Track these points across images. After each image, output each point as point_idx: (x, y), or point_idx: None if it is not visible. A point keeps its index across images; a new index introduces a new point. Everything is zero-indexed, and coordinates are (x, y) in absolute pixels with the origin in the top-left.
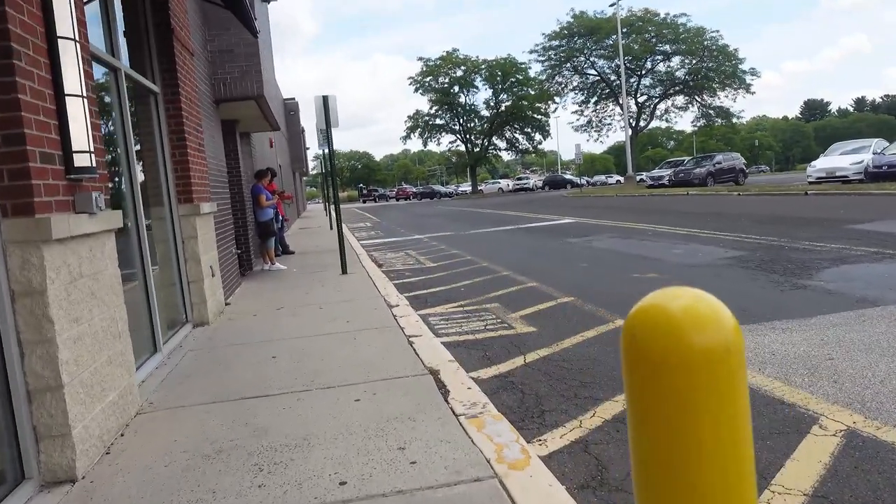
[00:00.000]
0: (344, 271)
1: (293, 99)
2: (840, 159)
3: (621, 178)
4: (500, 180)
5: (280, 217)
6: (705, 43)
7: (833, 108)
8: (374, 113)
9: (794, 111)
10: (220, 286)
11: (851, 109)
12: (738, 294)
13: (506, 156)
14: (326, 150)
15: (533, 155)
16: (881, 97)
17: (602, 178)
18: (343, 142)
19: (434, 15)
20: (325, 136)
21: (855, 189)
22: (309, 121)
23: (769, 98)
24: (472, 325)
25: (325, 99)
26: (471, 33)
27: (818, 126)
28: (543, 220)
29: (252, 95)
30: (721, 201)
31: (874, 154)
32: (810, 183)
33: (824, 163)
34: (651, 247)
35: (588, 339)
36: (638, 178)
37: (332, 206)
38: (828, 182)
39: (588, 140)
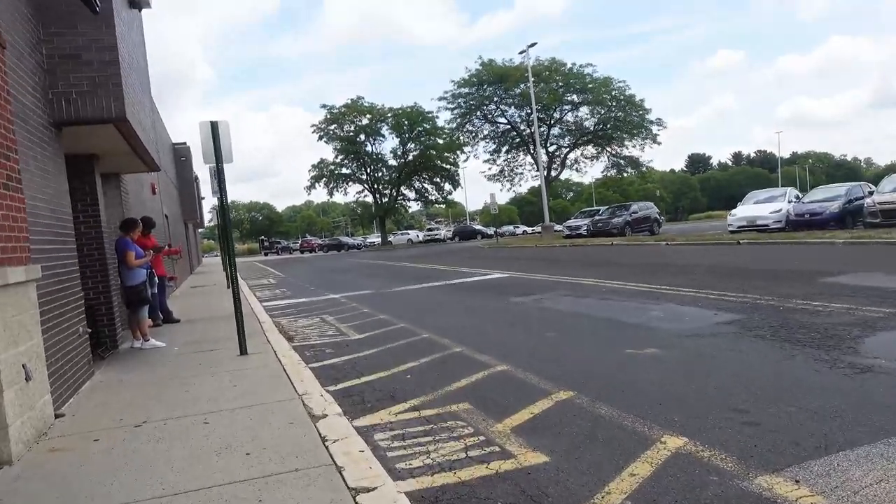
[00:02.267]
0: (243, 351)
1: (184, 143)
2: (758, 208)
3: (527, 229)
4: (408, 231)
5: (159, 278)
6: (613, 93)
7: (714, 161)
8: (275, 164)
9: (679, 164)
10: (46, 391)
11: (730, 163)
12: (792, 384)
13: (414, 206)
14: (218, 192)
15: (441, 206)
16: (755, 152)
17: (510, 228)
18: (243, 193)
19: (335, 66)
20: (216, 174)
21: (782, 238)
22: (202, 169)
23: (656, 151)
24: (445, 449)
25: (213, 126)
26: (373, 84)
27: (702, 178)
28: (471, 274)
29: (109, 117)
30: (653, 252)
31: (793, 202)
32: (731, 232)
33: (744, 212)
34: (619, 308)
35: (644, 483)
36: (555, 228)
37: (228, 261)
38: (749, 231)
39: (501, 189)
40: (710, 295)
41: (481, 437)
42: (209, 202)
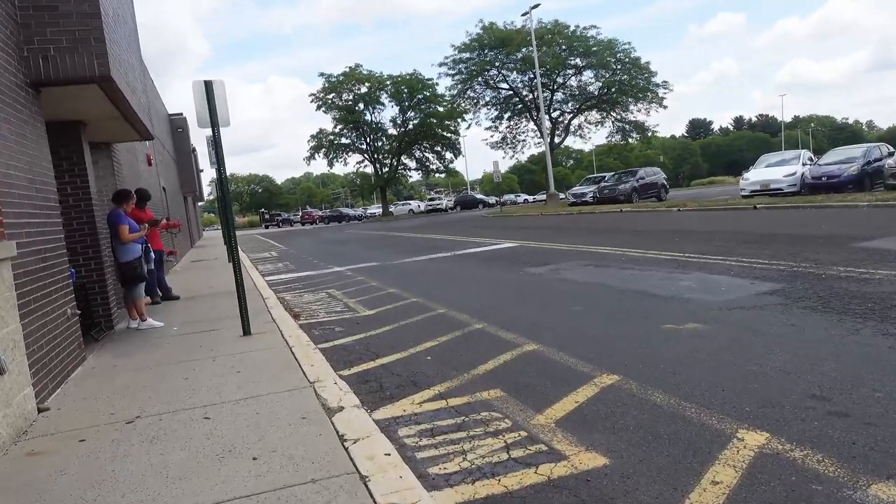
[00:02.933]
0: (246, 331)
1: (181, 114)
2: (771, 171)
3: (528, 197)
4: (409, 201)
5: (156, 253)
6: (618, 55)
7: (715, 126)
8: (273, 136)
9: (679, 130)
10: (27, 384)
11: (731, 128)
12: (869, 364)
13: (415, 176)
14: (215, 159)
15: (441, 175)
16: (756, 116)
17: (511, 196)
18: (241, 166)
19: (330, 39)
20: (212, 140)
21: (800, 202)
22: (200, 142)
23: (656, 118)
24: (483, 448)
25: (207, 85)
26: (370, 54)
27: (703, 144)
28: (480, 244)
29: (92, 76)
30: (667, 219)
31: (807, 165)
32: (744, 196)
33: (757, 175)
34: (645, 278)
35: (734, 494)
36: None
37: (228, 234)
38: (762, 195)
39: (504, 157)
40: (741, 262)
41: (522, 433)
42: (208, 175)
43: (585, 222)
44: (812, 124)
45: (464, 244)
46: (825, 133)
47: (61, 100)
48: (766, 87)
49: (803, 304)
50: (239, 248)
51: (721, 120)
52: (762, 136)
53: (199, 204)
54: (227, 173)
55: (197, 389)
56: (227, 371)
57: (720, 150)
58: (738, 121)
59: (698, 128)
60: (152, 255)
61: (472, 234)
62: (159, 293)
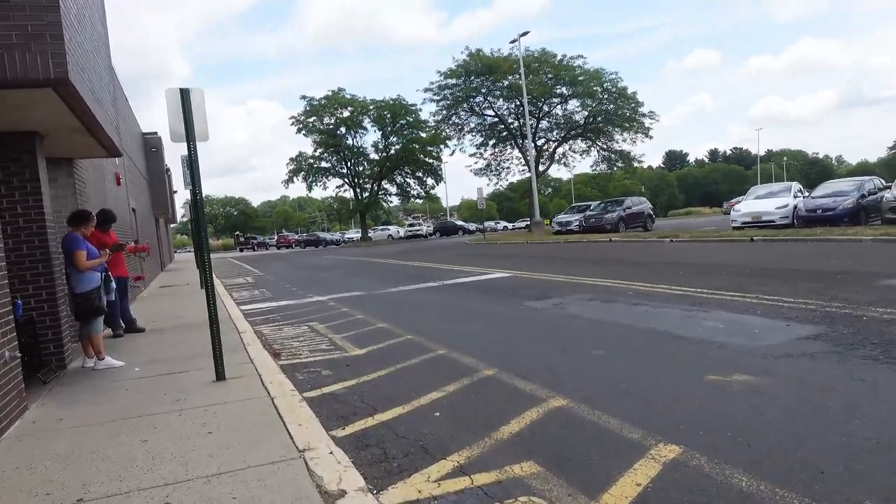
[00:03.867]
0: (220, 375)
1: (155, 133)
2: (763, 203)
3: (508, 225)
4: (388, 227)
5: (120, 281)
6: (605, 85)
7: (691, 158)
8: (252, 160)
9: (656, 161)
10: None
11: (707, 160)
12: None
13: (395, 201)
14: (190, 178)
15: (420, 201)
16: (731, 149)
17: (491, 223)
18: (217, 187)
19: (313, 63)
20: (188, 157)
21: (798, 235)
22: (174, 162)
23: (642, 147)
24: None
25: (182, 94)
26: (351, 82)
27: (680, 175)
28: (469, 273)
29: (46, 79)
30: (661, 250)
31: (801, 198)
32: (735, 228)
33: (748, 207)
34: (663, 317)
35: None
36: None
37: (200, 259)
38: (753, 227)
39: (488, 184)
40: (763, 301)
41: None
42: (182, 196)
43: (576, 252)
44: (785, 158)
45: (452, 273)
46: (797, 167)
47: (13, 106)
48: (741, 120)
49: (861, 354)
50: (213, 275)
51: (697, 152)
52: (737, 168)
53: (172, 226)
54: (203, 194)
55: (158, 458)
56: (196, 431)
57: (696, 182)
58: (714, 153)
59: (675, 159)
60: (113, 284)
61: (458, 263)
62: (122, 325)
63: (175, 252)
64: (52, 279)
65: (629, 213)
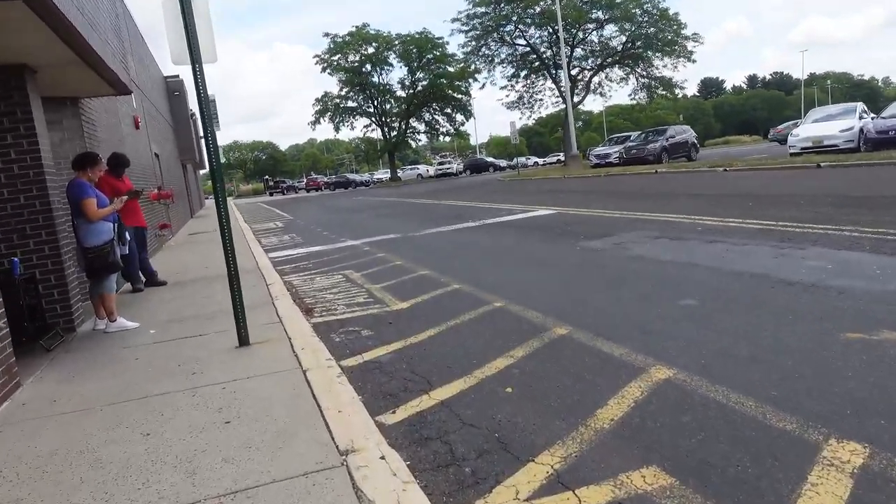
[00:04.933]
0: (242, 340)
1: (177, 77)
2: (825, 127)
3: (539, 160)
4: (417, 166)
5: (137, 232)
6: (644, 6)
7: (727, 85)
8: (278, 104)
9: (691, 90)
10: None
11: (745, 87)
12: None
13: (423, 139)
14: (199, 108)
15: (448, 139)
16: (770, 74)
17: (521, 160)
18: (245, 134)
19: (336, 2)
20: (196, 76)
21: (867, 159)
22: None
23: (685, 73)
24: None
25: (183, 1)
26: (379, 15)
27: (716, 103)
28: (510, 211)
29: None
30: (717, 181)
31: (868, 119)
32: (793, 154)
33: (808, 131)
34: (751, 256)
35: None
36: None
37: (217, 202)
38: (814, 153)
39: (521, 117)
40: (864, 233)
41: None
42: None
43: (621, 185)
44: (829, 81)
45: (492, 212)
46: (842, 90)
47: None
48: (780, 46)
49: None
50: (241, 219)
51: (734, 79)
52: (777, 94)
53: (202, 171)
54: (232, 140)
55: (160, 462)
56: (210, 420)
57: (733, 110)
58: (752, 79)
59: (710, 87)
60: (128, 235)
61: (495, 201)
62: (142, 279)
63: (206, 198)
64: (54, 232)
65: (672, 142)
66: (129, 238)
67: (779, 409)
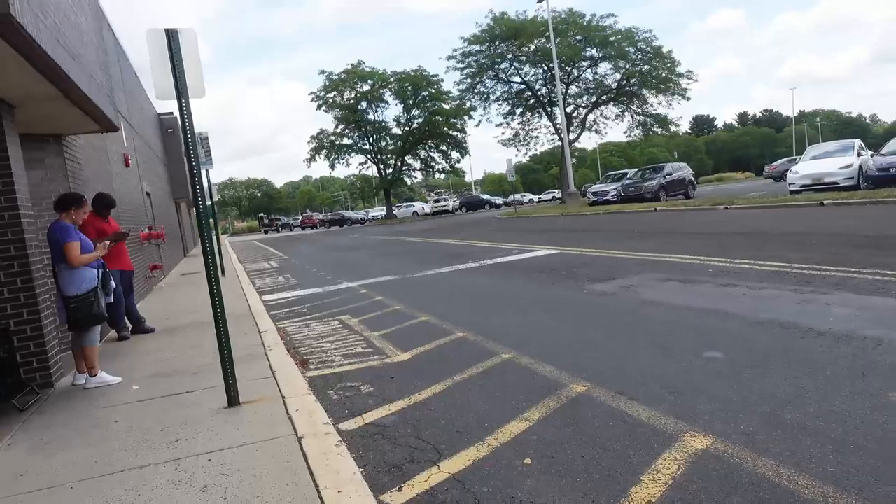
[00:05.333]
0: (232, 399)
1: (171, 114)
2: (824, 164)
3: (534, 197)
4: (413, 203)
5: (124, 276)
6: (639, 44)
7: (718, 122)
8: (273, 140)
9: (683, 126)
10: None
11: (736, 124)
12: None
13: (419, 176)
14: (183, 143)
15: (442, 176)
16: (761, 112)
17: (517, 196)
18: (241, 170)
19: (332, 39)
20: (182, 111)
21: (870, 196)
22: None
23: (679, 110)
24: None
25: (169, 37)
26: (374, 53)
27: (708, 140)
28: (510, 251)
29: None
30: (719, 219)
31: (867, 156)
32: (793, 192)
33: (808, 168)
34: (771, 302)
35: None
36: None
37: (204, 247)
38: (814, 190)
39: (516, 154)
40: (886, 276)
41: None
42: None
43: (621, 223)
44: (818, 119)
45: (491, 252)
46: (832, 127)
47: None
48: (769, 82)
49: None
50: (235, 258)
51: (724, 116)
52: (768, 131)
53: (192, 210)
54: (227, 177)
55: None
56: (192, 503)
57: (725, 147)
58: (743, 116)
59: (702, 124)
60: (113, 284)
61: (494, 239)
62: (128, 325)
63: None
64: (30, 279)
65: (670, 179)
66: (114, 286)
67: (840, 489)
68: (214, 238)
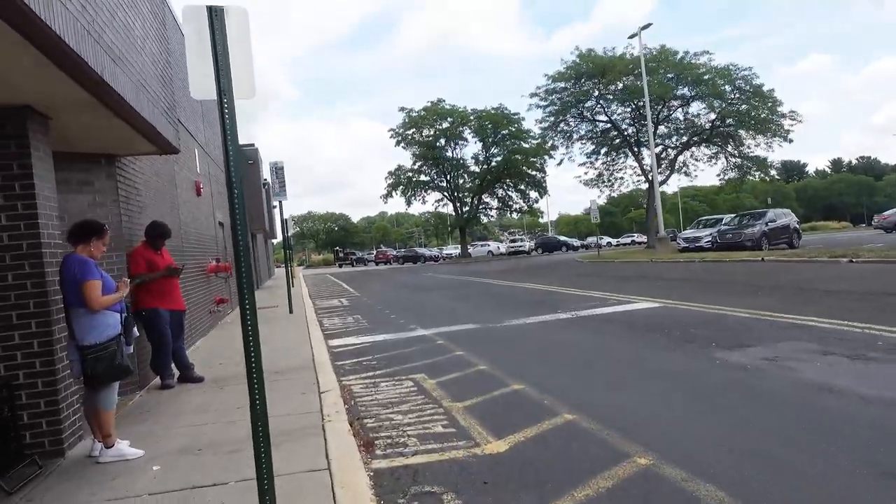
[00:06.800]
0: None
1: (252, 145)
2: None
3: (612, 240)
4: (488, 242)
5: (174, 315)
6: (737, 83)
7: (809, 169)
8: (351, 176)
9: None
10: None
11: (829, 170)
12: None
13: (495, 215)
14: (224, 151)
15: (516, 216)
16: (857, 159)
17: (594, 239)
18: (319, 204)
19: (411, 81)
20: (224, 112)
21: None
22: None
23: (780, 153)
24: None
25: (211, 14)
26: (453, 93)
27: (798, 187)
28: (604, 301)
29: None
30: (843, 273)
31: None
32: None
33: None
34: None
35: None
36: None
37: (242, 297)
38: None
39: (600, 195)
40: None
41: None
42: (285, 210)
43: (726, 274)
44: None
45: (582, 300)
46: None
47: None
48: (861, 129)
49: None
50: (306, 293)
51: (814, 162)
52: (866, 178)
53: (274, 241)
54: (306, 211)
55: None
56: None
57: (817, 195)
58: (836, 163)
59: (791, 170)
60: (136, 332)
61: (581, 286)
62: (174, 372)
63: (278, 266)
64: (48, 322)
65: (773, 227)
66: (136, 334)
67: None
68: (287, 270)
